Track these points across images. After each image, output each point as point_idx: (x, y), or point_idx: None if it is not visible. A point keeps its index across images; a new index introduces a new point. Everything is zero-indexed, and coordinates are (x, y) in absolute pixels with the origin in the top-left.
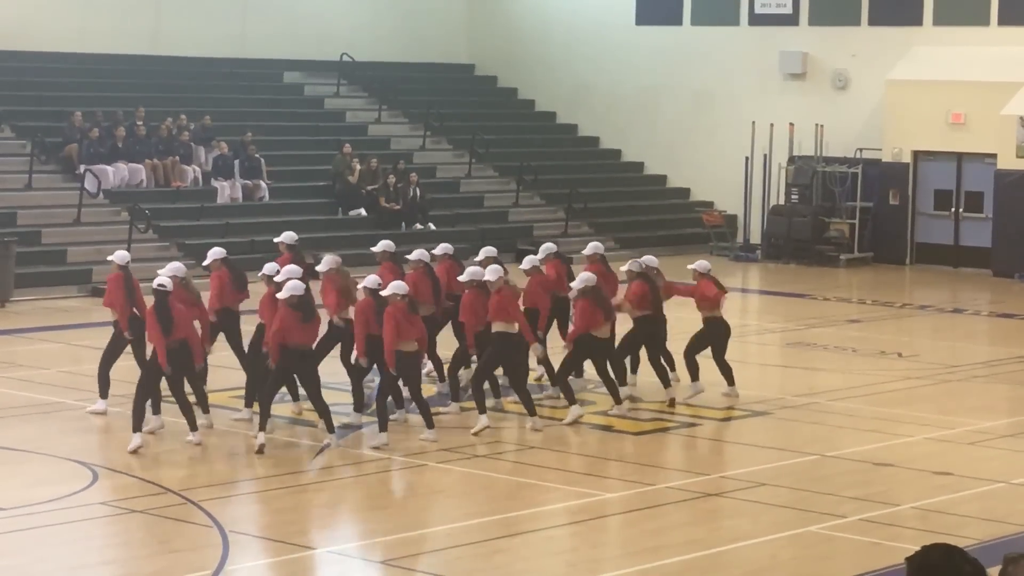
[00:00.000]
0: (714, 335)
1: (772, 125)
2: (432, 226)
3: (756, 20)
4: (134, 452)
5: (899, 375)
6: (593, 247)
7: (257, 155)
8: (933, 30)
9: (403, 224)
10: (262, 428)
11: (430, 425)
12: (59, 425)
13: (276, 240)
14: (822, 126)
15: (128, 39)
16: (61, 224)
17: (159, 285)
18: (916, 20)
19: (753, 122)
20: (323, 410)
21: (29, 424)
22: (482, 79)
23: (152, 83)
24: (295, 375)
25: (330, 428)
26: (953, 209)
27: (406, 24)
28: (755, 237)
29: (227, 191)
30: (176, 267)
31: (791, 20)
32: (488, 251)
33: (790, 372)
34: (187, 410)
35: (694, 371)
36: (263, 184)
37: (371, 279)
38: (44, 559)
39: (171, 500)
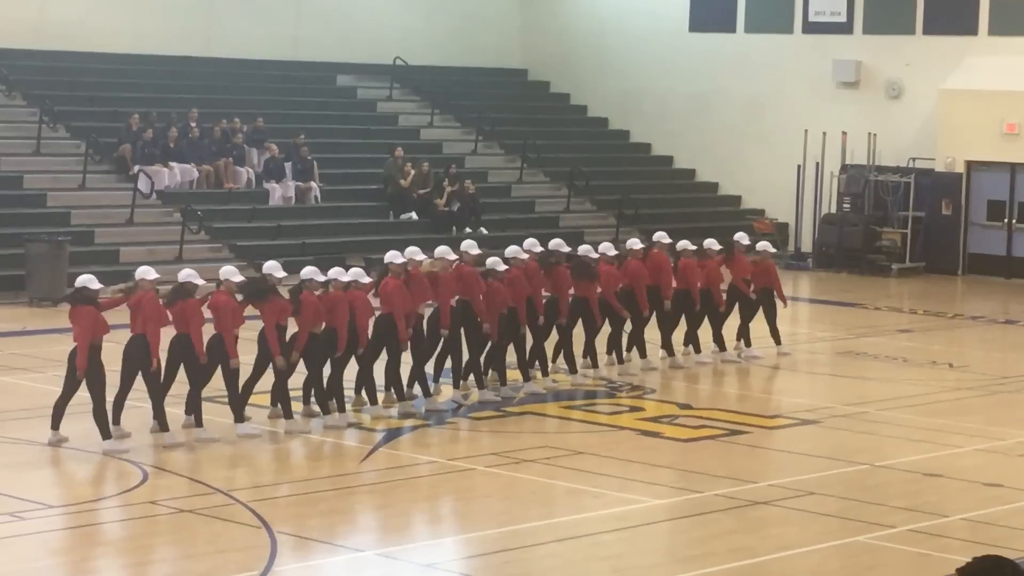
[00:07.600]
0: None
1: (824, 133)
2: (484, 230)
3: (810, 28)
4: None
5: (950, 386)
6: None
7: (309, 157)
8: (988, 40)
9: (454, 228)
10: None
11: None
12: None
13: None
14: (875, 135)
15: (182, 41)
16: (114, 224)
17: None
18: (971, 30)
19: (805, 130)
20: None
21: (80, 423)
22: (534, 84)
23: (205, 85)
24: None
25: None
26: (1006, 220)
27: (459, 28)
28: (806, 245)
29: (279, 193)
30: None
31: (845, 28)
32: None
33: (840, 381)
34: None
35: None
36: (315, 186)
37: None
38: (92, 557)
39: (220, 500)
